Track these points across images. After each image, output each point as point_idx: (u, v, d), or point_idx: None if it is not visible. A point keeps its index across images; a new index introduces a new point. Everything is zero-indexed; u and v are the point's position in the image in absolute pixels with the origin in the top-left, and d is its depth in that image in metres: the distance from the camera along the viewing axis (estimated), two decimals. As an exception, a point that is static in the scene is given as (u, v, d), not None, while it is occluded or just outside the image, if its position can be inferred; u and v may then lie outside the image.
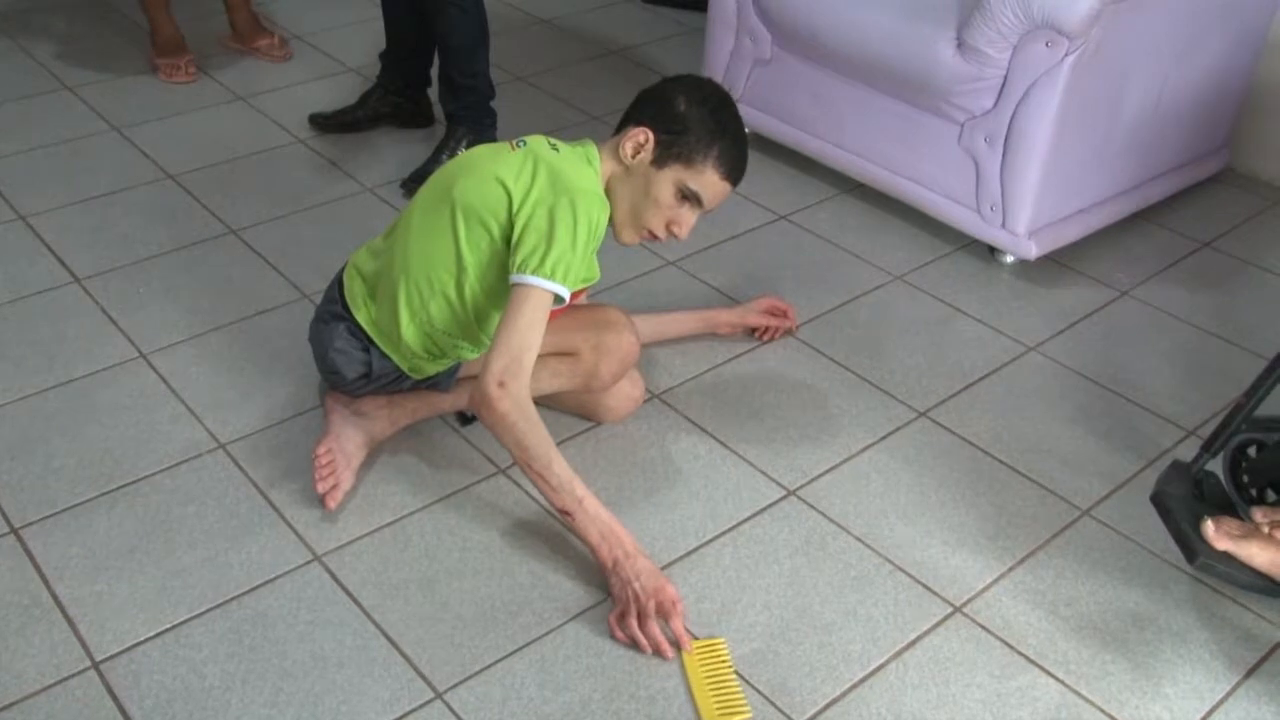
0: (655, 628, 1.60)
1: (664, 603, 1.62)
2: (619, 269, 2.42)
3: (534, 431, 1.65)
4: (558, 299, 1.68)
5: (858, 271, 2.51)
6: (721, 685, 1.57)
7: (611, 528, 1.67)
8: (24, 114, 3.02)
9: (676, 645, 1.61)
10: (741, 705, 1.55)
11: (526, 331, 1.65)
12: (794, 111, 2.79)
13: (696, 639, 1.63)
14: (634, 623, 1.61)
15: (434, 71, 2.84)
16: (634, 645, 1.61)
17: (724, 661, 1.61)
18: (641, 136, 1.77)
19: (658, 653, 1.59)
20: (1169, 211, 2.76)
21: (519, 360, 1.65)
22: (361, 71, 3.27)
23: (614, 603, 1.66)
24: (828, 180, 2.82)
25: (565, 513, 1.68)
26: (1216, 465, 1.83)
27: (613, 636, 1.63)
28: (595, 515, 1.66)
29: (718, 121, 1.79)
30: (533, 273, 1.66)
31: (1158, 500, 1.78)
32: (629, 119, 1.83)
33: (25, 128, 2.95)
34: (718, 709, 1.54)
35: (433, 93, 2.93)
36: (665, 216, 1.81)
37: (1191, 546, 1.68)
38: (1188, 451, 1.91)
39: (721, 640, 1.63)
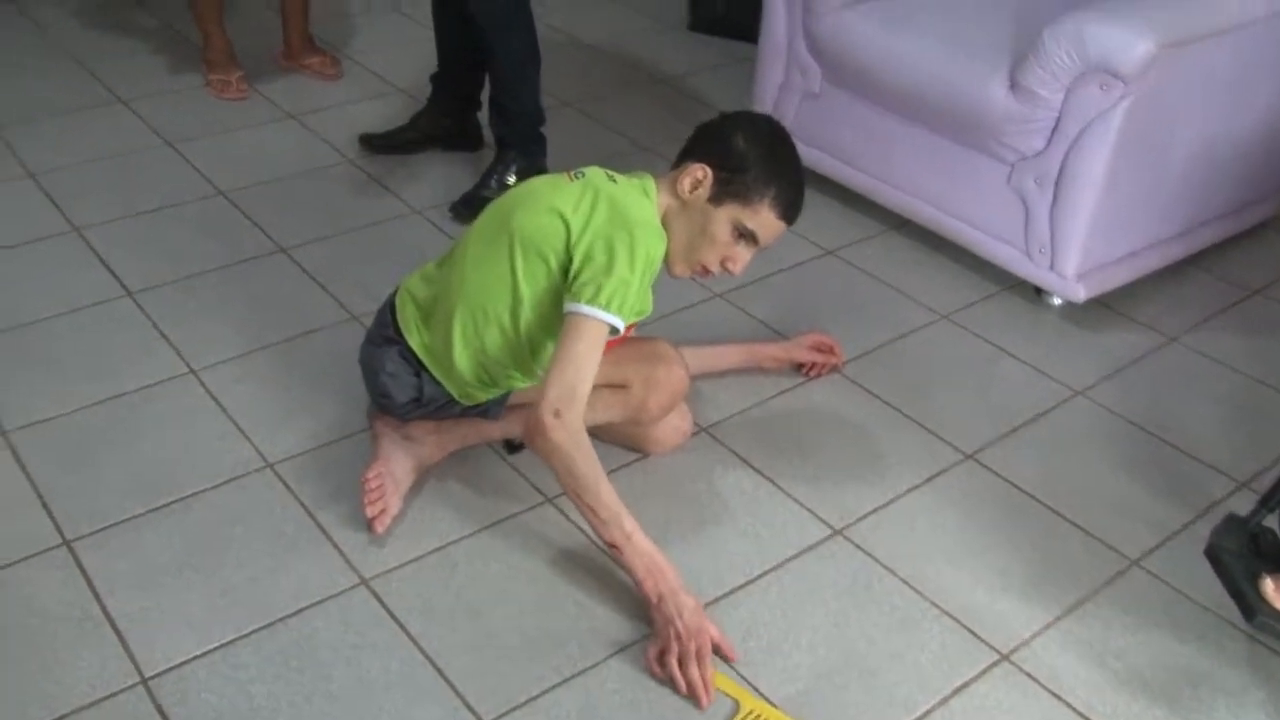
0: (694, 671, 1.59)
1: (702, 646, 1.61)
2: (666, 300, 2.42)
3: (586, 462, 1.65)
4: (613, 330, 1.68)
5: (904, 309, 2.50)
6: None
7: (657, 563, 1.66)
8: (78, 127, 3.06)
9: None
10: None
11: (582, 362, 1.65)
12: (842, 146, 2.79)
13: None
14: (673, 661, 1.60)
15: (485, 95, 2.85)
16: (671, 684, 1.60)
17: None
18: (700, 173, 1.78)
19: (693, 697, 1.58)
20: (1219, 257, 2.74)
21: (574, 391, 1.65)
22: (411, 92, 3.30)
23: (655, 638, 1.65)
24: (875, 216, 2.82)
25: (613, 546, 1.67)
26: (1273, 521, 1.81)
27: (650, 672, 1.63)
28: (642, 550, 1.66)
29: (776, 161, 1.79)
30: (589, 303, 1.66)
31: (1212, 554, 1.76)
32: (687, 154, 1.83)
33: (79, 140, 2.98)
34: None
35: (483, 116, 2.95)
36: (720, 253, 1.82)
37: (1249, 604, 1.66)
38: (1238, 502, 1.90)
39: (747, 693, 1.61)
